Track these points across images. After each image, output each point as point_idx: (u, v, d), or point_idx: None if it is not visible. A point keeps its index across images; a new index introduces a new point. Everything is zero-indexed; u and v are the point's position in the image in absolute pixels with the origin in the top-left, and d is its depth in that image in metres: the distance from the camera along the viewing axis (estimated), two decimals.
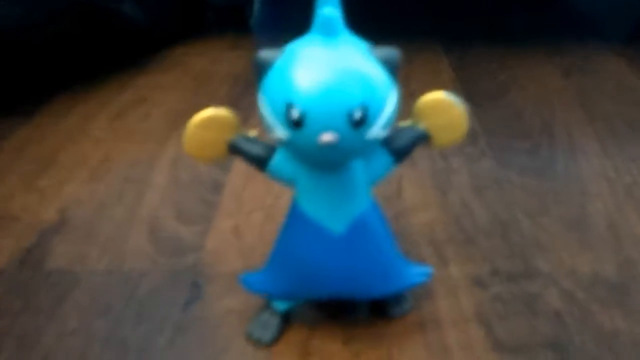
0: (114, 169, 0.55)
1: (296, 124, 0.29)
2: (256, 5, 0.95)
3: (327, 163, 0.32)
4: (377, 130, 0.30)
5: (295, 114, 0.29)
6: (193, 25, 0.89)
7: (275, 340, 0.37)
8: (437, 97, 0.33)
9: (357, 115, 0.29)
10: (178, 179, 0.53)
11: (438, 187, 0.52)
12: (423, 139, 0.34)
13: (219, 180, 0.53)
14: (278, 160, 0.34)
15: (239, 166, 0.55)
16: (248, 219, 0.48)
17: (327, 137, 0.29)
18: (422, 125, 0.34)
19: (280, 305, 0.37)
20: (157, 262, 0.44)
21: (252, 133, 0.34)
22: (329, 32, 0.29)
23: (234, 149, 0.34)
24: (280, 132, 0.30)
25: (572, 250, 0.44)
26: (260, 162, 0.34)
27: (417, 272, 0.38)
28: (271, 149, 0.34)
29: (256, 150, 0.34)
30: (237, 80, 0.72)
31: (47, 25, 0.65)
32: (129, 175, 0.54)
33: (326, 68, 0.29)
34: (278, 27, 0.91)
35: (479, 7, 0.97)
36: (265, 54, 0.30)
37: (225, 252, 0.44)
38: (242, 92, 0.70)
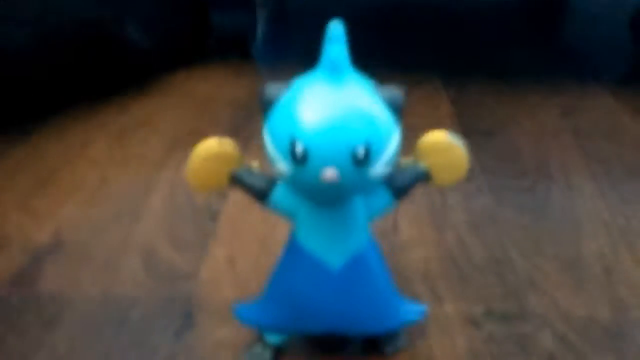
0: (111, 192, 0.55)
1: (299, 160, 0.29)
2: (259, 32, 0.96)
3: (329, 199, 0.32)
4: (379, 168, 0.30)
5: (299, 149, 0.29)
6: (196, 51, 0.89)
7: None
8: (439, 138, 0.34)
9: (360, 153, 0.29)
10: (174, 205, 0.53)
11: (434, 223, 0.52)
12: (423, 178, 0.34)
13: (215, 208, 0.53)
14: (279, 193, 0.34)
15: (236, 195, 0.55)
16: (243, 249, 0.48)
17: (329, 173, 0.29)
18: (423, 164, 0.34)
19: (273, 339, 0.37)
20: (150, 288, 0.43)
21: (254, 165, 0.34)
22: (336, 71, 0.29)
23: (236, 181, 0.34)
24: (283, 166, 0.30)
25: (566, 292, 0.44)
26: (261, 195, 0.34)
27: (412, 310, 0.38)
28: (272, 182, 0.34)
29: (258, 183, 0.34)
30: (240, 107, 0.73)
31: (51, 45, 0.66)
32: (125, 200, 0.54)
33: (331, 105, 0.29)
34: (281, 54, 0.92)
35: (478, 43, 0.98)
36: (271, 89, 0.31)
37: (219, 281, 0.44)
38: (244, 119, 0.70)
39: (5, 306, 0.41)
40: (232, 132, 0.66)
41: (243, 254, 0.47)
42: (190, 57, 0.87)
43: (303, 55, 0.91)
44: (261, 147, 0.31)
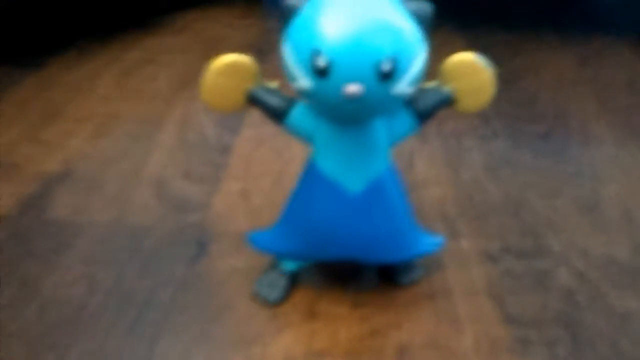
0: (120, 125, 0.54)
1: (321, 73, 0.28)
2: None
3: (349, 117, 0.31)
4: (404, 85, 0.29)
5: (321, 62, 0.28)
6: None
7: (282, 300, 0.36)
8: (466, 59, 0.32)
9: (386, 67, 0.28)
10: (185, 140, 0.52)
11: (450, 164, 0.51)
12: (448, 101, 0.33)
13: (227, 143, 0.52)
14: (297, 113, 0.33)
15: (248, 131, 0.54)
16: (256, 183, 0.47)
17: (352, 88, 0.28)
18: (447, 87, 0.33)
19: (289, 266, 0.37)
20: (162, 218, 0.43)
21: (273, 84, 0.33)
22: None
23: (253, 99, 0.33)
24: (304, 81, 0.29)
25: (584, 232, 0.43)
26: (278, 114, 0.33)
27: (429, 241, 0.37)
28: (291, 101, 0.33)
29: (275, 101, 0.33)
30: (250, 47, 0.71)
31: None
32: (136, 133, 0.53)
33: (357, 16, 0.28)
34: None
35: None
36: None
37: (232, 213, 0.44)
38: (255, 59, 0.68)
39: (18, 230, 0.41)
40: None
41: (256, 187, 0.46)
42: None
43: None
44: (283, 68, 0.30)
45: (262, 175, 0.48)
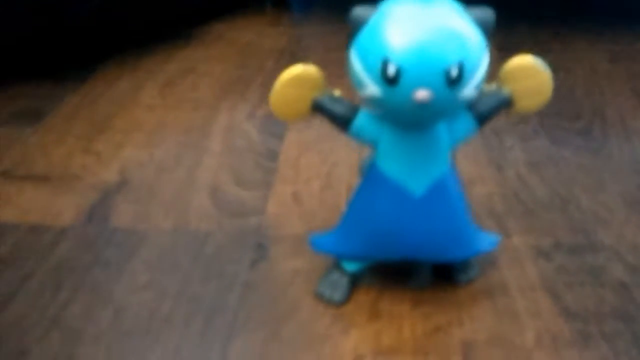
0: (169, 134, 0.55)
1: (391, 81, 0.29)
2: None
3: (418, 122, 0.32)
4: (470, 89, 0.30)
5: (391, 69, 0.29)
6: (235, 2, 0.89)
7: (346, 300, 0.37)
8: (525, 62, 0.33)
9: (454, 73, 0.29)
10: (233, 146, 0.54)
11: (493, 162, 0.52)
12: (507, 103, 0.34)
13: (273, 149, 0.53)
14: (361, 120, 0.34)
15: (293, 136, 0.55)
16: (306, 186, 0.48)
17: (422, 94, 0.29)
18: (506, 90, 0.34)
19: (350, 266, 0.38)
20: (221, 223, 0.44)
21: (337, 93, 0.34)
22: None
23: (318, 108, 0.34)
24: (373, 89, 0.30)
25: (634, 227, 0.44)
26: (344, 122, 0.34)
27: (486, 240, 0.38)
28: (355, 109, 0.34)
29: (340, 109, 0.34)
30: (282, 54, 0.72)
31: None
32: (184, 141, 0.54)
33: (424, 25, 0.29)
34: (315, 3, 0.91)
35: None
36: (360, 10, 0.31)
37: (287, 216, 0.45)
38: (289, 64, 0.69)
39: (85, 240, 0.42)
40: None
41: (306, 190, 0.48)
42: (229, 7, 0.86)
43: (336, 4, 0.90)
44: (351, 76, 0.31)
45: (310, 178, 0.49)
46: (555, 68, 0.69)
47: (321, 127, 0.56)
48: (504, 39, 0.77)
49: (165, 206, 0.46)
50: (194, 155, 0.52)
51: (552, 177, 0.50)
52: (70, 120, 0.58)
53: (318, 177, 0.50)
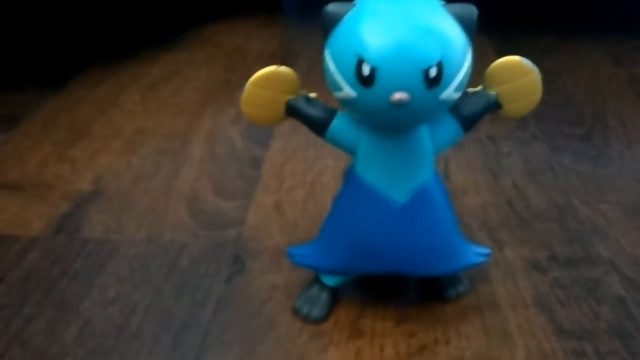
0: (148, 141, 0.53)
1: (366, 81, 0.27)
2: None
3: (396, 126, 0.29)
4: (450, 91, 0.28)
5: (366, 69, 0.27)
6: (223, 4, 0.87)
7: (325, 317, 0.35)
8: (511, 61, 0.31)
9: (433, 73, 0.27)
10: (215, 153, 0.52)
11: (488, 170, 0.49)
12: (494, 105, 0.32)
13: (257, 156, 0.51)
14: (338, 124, 0.31)
15: (277, 143, 0.53)
16: (289, 196, 0.46)
17: (399, 95, 0.27)
18: (492, 91, 0.32)
19: (330, 280, 0.35)
20: (197, 234, 0.42)
21: (313, 95, 0.32)
22: None
23: (293, 110, 0.32)
24: (348, 90, 0.28)
25: (632, 237, 0.42)
26: (319, 125, 0.32)
27: (475, 252, 0.36)
28: (332, 112, 0.32)
29: (316, 112, 0.31)
30: (271, 58, 0.70)
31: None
32: (164, 148, 0.52)
33: (401, 23, 0.27)
34: (309, 6, 0.89)
35: None
36: (334, 7, 0.28)
37: (267, 228, 0.43)
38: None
39: (54, 251, 0.40)
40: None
41: (289, 200, 0.45)
42: (217, 10, 0.84)
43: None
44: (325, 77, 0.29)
45: (294, 187, 0.47)
46: (556, 72, 0.67)
47: (309, 133, 0.53)
48: (503, 44, 0.74)
49: (139, 216, 0.43)
50: (173, 163, 0.50)
51: (550, 186, 0.47)
52: (47, 126, 0.56)
53: (302, 185, 0.47)
